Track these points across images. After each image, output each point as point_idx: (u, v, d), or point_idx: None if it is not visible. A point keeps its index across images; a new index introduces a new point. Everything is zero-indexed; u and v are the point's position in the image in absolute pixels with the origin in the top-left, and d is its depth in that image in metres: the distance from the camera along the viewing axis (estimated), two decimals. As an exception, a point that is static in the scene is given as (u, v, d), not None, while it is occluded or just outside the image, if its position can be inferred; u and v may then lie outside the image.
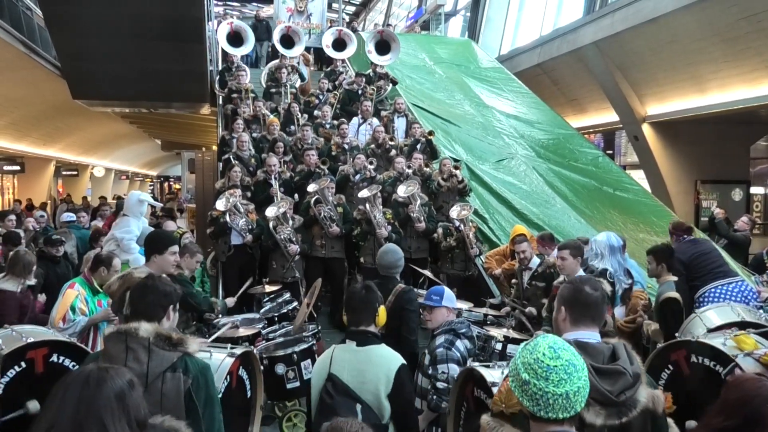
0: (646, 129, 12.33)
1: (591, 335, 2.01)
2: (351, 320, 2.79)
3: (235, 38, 9.93)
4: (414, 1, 23.42)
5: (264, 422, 4.00)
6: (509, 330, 4.43)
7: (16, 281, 4.46)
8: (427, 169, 7.53)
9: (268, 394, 4.01)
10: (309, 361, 4.06)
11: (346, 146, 7.93)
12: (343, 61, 10.96)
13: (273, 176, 7.13)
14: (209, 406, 2.26)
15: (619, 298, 4.78)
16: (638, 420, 1.84)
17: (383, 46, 10.10)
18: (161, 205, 12.05)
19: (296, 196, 7.28)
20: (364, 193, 6.49)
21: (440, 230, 6.63)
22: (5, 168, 19.53)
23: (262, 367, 3.47)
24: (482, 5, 18.00)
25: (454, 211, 6.51)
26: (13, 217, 8.03)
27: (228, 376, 2.89)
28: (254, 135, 8.47)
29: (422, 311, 3.49)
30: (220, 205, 6.45)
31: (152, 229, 6.37)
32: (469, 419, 2.81)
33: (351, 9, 28.61)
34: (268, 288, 5.59)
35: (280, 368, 4.02)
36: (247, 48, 10.21)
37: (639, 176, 12.39)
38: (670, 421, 2.01)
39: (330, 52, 10.71)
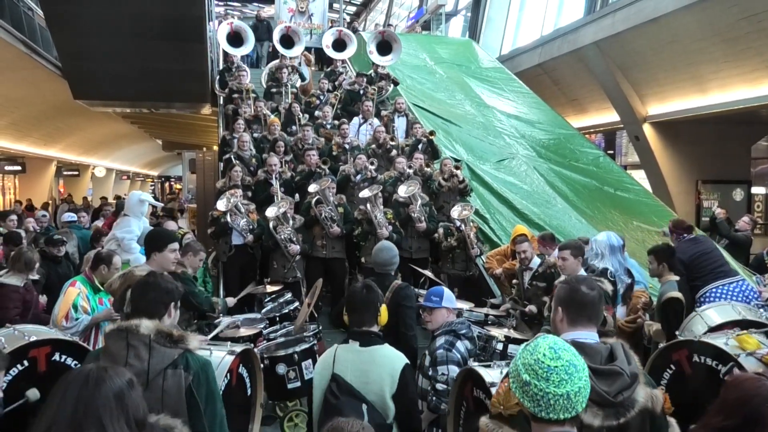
0: (647, 129, 12.32)
1: (588, 335, 2.00)
2: (353, 320, 2.77)
3: (235, 38, 9.93)
4: (415, 1, 23.43)
5: (265, 422, 4.01)
6: (510, 330, 4.42)
7: (18, 276, 4.48)
8: (428, 169, 7.52)
9: (269, 394, 4.01)
10: (310, 361, 4.06)
11: (347, 146, 7.93)
12: (343, 61, 10.96)
13: (274, 176, 7.13)
14: (211, 402, 2.26)
15: (620, 298, 4.77)
16: (636, 420, 1.84)
17: (385, 46, 10.10)
18: (162, 205, 12.05)
19: (297, 196, 7.29)
20: (364, 193, 6.49)
21: (441, 230, 6.63)
22: (6, 168, 19.55)
23: (262, 366, 3.47)
24: (483, 5, 18.00)
25: (455, 211, 6.51)
26: (14, 217, 8.05)
27: (228, 374, 2.90)
28: (255, 135, 8.48)
29: (422, 312, 3.49)
30: (221, 205, 6.46)
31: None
32: (469, 419, 2.81)
33: (352, 9, 28.63)
34: (270, 288, 5.59)
35: (281, 368, 4.01)
36: (247, 48, 10.21)
37: (640, 176, 12.38)
38: (672, 420, 2.00)
39: (330, 52, 10.71)
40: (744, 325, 3.64)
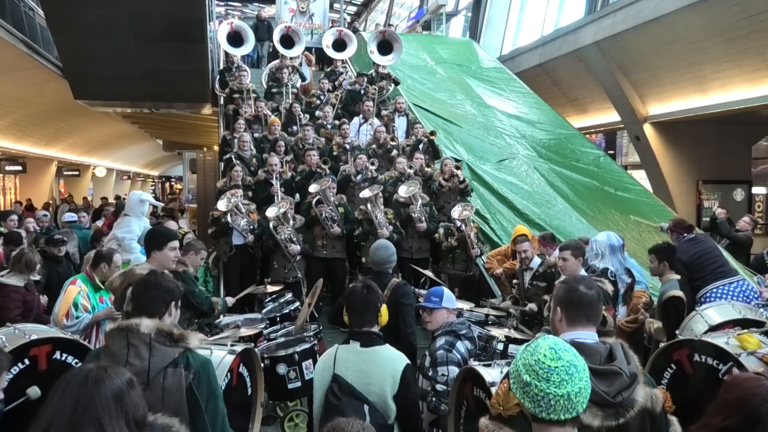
0: (648, 129, 12.32)
1: (588, 335, 1.99)
2: (353, 321, 2.76)
3: (235, 38, 9.92)
4: (415, 1, 23.43)
5: (265, 422, 4.01)
6: (511, 330, 4.42)
7: (19, 277, 4.48)
8: (429, 169, 7.53)
9: (269, 394, 4.01)
10: (310, 361, 4.05)
11: (348, 146, 7.93)
12: (343, 61, 10.95)
13: (274, 176, 7.13)
14: (212, 400, 2.26)
15: (621, 298, 4.77)
16: (636, 420, 1.83)
17: (385, 46, 10.09)
18: (162, 204, 12.07)
19: (297, 196, 7.29)
20: (365, 193, 6.49)
21: (441, 230, 6.63)
22: (7, 168, 19.55)
23: (263, 366, 3.47)
24: (483, 5, 17.99)
25: (456, 212, 6.50)
26: (15, 217, 8.04)
27: (229, 374, 2.90)
28: (256, 135, 8.48)
29: (422, 312, 3.48)
30: (222, 205, 6.46)
31: (153, 228, 6.37)
32: (470, 418, 2.81)
33: (352, 9, 28.63)
34: (270, 288, 5.59)
35: (282, 368, 4.01)
36: (247, 48, 10.19)
37: (640, 176, 12.38)
38: (673, 418, 2.00)
39: (330, 52, 10.70)
40: (744, 324, 3.64)
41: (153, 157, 32.60)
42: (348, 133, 8.15)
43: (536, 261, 5.43)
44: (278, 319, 5.05)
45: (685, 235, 5.29)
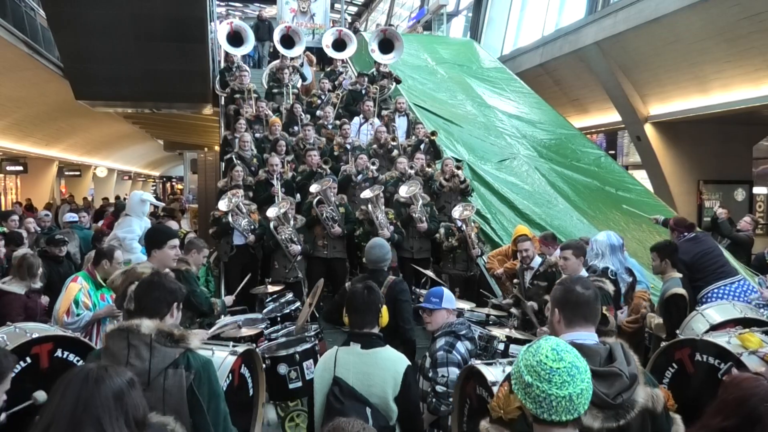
0: (649, 129, 12.31)
1: (587, 336, 1.99)
2: (354, 321, 2.74)
3: (235, 38, 9.92)
4: (416, 1, 23.43)
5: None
6: (512, 330, 4.42)
7: (21, 284, 4.47)
8: (429, 170, 7.53)
9: (270, 394, 4.01)
10: (311, 361, 4.05)
11: (349, 146, 7.93)
12: (343, 61, 10.95)
13: (275, 176, 7.13)
14: (214, 400, 2.26)
15: (623, 297, 4.77)
16: (637, 421, 1.83)
17: (386, 44, 10.09)
18: (163, 204, 12.08)
19: (298, 196, 7.29)
20: (366, 194, 6.49)
21: (442, 230, 6.63)
22: (8, 168, 19.56)
23: (264, 366, 3.47)
24: (484, 5, 17.99)
25: (457, 212, 6.50)
26: (15, 217, 8.05)
27: (230, 374, 2.89)
28: (257, 135, 8.48)
29: (422, 313, 3.48)
30: (223, 205, 6.47)
31: (154, 228, 6.37)
32: (472, 417, 2.80)
33: (353, 9, 28.64)
34: (271, 288, 5.59)
35: (283, 368, 4.01)
36: (247, 48, 10.18)
37: (641, 176, 12.38)
38: (676, 417, 1.99)
39: (330, 52, 10.69)
40: (746, 323, 3.64)
41: (154, 158, 32.62)
42: (349, 133, 8.15)
43: (537, 260, 5.43)
44: (279, 319, 5.05)
45: (686, 234, 5.28)
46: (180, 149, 22.80)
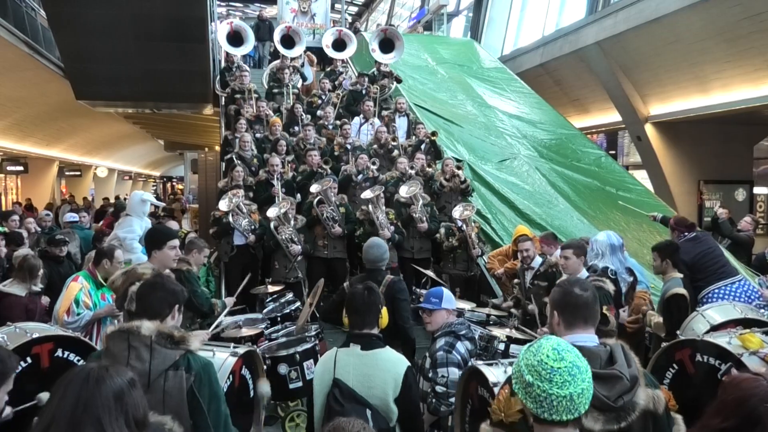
0: (649, 129, 12.31)
1: (587, 338, 1.99)
2: (354, 322, 2.73)
3: (235, 38, 9.92)
4: (416, 1, 23.43)
5: (267, 422, 4.00)
6: (512, 330, 4.42)
7: (22, 286, 4.47)
8: (430, 170, 7.53)
9: (270, 395, 4.01)
10: (311, 361, 4.06)
11: (349, 146, 7.94)
12: (343, 61, 10.95)
13: (275, 176, 7.13)
14: (214, 402, 2.26)
15: (624, 297, 4.76)
16: (638, 423, 1.83)
17: (387, 44, 10.08)
18: (164, 204, 12.08)
19: (298, 196, 7.29)
20: (367, 194, 6.49)
21: (442, 230, 6.62)
22: (9, 168, 19.57)
23: (265, 367, 3.47)
24: (485, 5, 17.99)
25: (457, 212, 6.50)
26: (16, 217, 8.05)
27: (231, 376, 2.89)
28: (257, 135, 8.47)
29: (421, 314, 3.48)
30: (223, 205, 6.47)
31: (155, 228, 6.37)
32: (475, 417, 2.80)
33: (353, 9, 28.65)
34: (271, 288, 5.59)
35: (283, 368, 4.02)
36: (247, 48, 10.17)
37: (642, 176, 12.37)
38: (677, 417, 1.99)
39: (330, 52, 10.69)
40: (746, 323, 3.64)
41: (154, 158, 32.63)
42: (349, 133, 8.15)
43: (537, 261, 5.43)
44: (279, 319, 5.06)
45: (686, 234, 5.27)
46: (180, 149, 22.81)
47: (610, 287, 4.03)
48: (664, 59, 10.92)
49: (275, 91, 9.72)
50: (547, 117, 10.57)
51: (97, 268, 4.41)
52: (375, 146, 8.11)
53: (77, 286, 4.23)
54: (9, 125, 15.44)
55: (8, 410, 2.51)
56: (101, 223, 9.55)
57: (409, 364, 2.69)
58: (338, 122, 8.60)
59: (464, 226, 6.43)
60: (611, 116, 13.45)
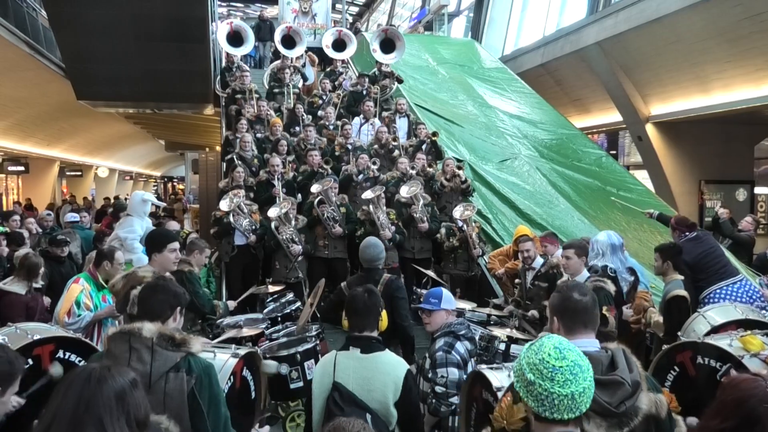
0: (650, 129, 12.30)
1: (588, 343, 1.98)
2: (353, 325, 2.72)
3: (235, 38, 9.92)
4: (417, 1, 23.42)
5: (267, 422, 4.01)
6: (512, 330, 4.41)
7: (22, 284, 4.47)
8: (431, 170, 7.52)
9: (271, 395, 4.01)
10: (312, 361, 4.06)
11: (350, 146, 7.94)
12: (343, 61, 10.94)
13: (276, 177, 7.14)
14: (214, 405, 2.26)
15: (625, 296, 4.76)
16: (641, 428, 1.83)
17: (388, 44, 10.08)
18: (164, 204, 12.09)
19: (299, 196, 7.29)
20: (367, 194, 6.49)
21: (443, 230, 6.62)
22: (10, 168, 19.58)
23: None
24: (485, 6, 17.98)
25: (458, 212, 6.50)
26: (17, 217, 8.06)
27: (231, 377, 2.89)
28: (258, 135, 8.47)
29: (421, 314, 3.48)
30: (224, 205, 6.47)
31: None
32: (480, 421, 2.80)
33: (354, 9, 28.64)
34: (272, 288, 5.60)
35: (284, 368, 4.02)
36: (247, 48, 10.16)
37: (643, 176, 12.36)
38: (678, 418, 1.99)
39: (330, 52, 10.68)
40: (747, 324, 3.63)
41: (155, 158, 32.64)
42: (350, 134, 8.15)
43: (538, 261, 5.42)
44: (280, 319, 5.06)
45: (687, 233, 5.27)
46: (181, 149, 22.80)
47: (610, 287, 4.02)
48: (665, 59, 10.91)
49: (276, 91, 9.72)
50: (547, 117, 10.56)
51: (98, 269, 4.41)
52: (376, 146, 8.11)
53: (78, 288, 4.23)
54: (10, 125, 15.45)
55: (15, 400, 2.49)
56: (101, 224, 9.56)
57: (408, 367, 2.69)
58: (339, 122, 8.60)
59: (465, 226, 6.43)
60: (612, 116, 13.45)
